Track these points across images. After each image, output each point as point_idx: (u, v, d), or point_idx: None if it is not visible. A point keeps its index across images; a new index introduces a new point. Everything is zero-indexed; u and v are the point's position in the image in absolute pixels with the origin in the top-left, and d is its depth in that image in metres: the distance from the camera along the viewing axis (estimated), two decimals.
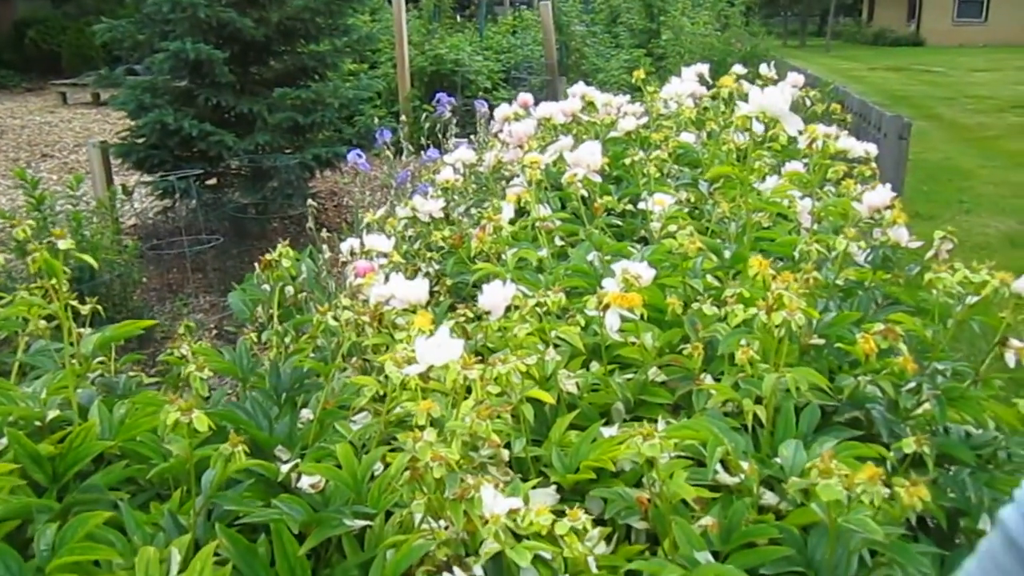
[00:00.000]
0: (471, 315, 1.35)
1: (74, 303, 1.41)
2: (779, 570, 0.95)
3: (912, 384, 1.26)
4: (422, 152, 3.12)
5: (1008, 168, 7.77)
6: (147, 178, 4.09)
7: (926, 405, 1.27)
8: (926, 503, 1.05)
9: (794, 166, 1.78)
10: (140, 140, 4.39)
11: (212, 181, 4.44)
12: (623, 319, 1.27)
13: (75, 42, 12.38)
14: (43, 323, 1.49)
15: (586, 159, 1.67)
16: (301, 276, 1.85)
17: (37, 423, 1.17)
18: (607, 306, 1.20)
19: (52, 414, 1.16)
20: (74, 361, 1.29)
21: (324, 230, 2.73)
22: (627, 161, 1.88)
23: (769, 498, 1.12)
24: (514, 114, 2.49)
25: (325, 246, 2.30)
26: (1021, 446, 1.26)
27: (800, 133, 1.47)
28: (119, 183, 4.19)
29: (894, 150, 4.29)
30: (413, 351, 1.13)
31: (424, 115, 3.68)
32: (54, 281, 1.22)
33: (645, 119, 2.74)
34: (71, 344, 1.25)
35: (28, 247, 1.17)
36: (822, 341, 1.29)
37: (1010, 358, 1.22)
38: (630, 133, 2.46)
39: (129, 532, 1.00)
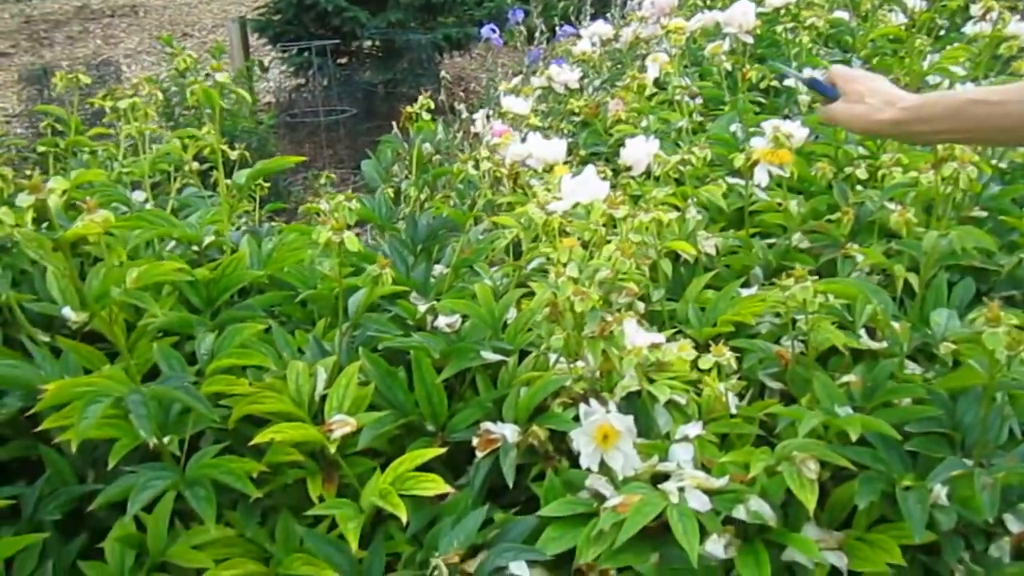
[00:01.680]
0: (609, 168, 1.33)
1: (224, 147, 1.46)
2: (925, 429, 0.92)
3: None
4: (556, 32, 3.05)
5: None
6: (286, 50, 4.16)
7: None
8: None
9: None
10: (276, 16, 4.45)
11: (344, 60, 4.48)
12: (771, 179, 1.22)
13: None
14: (195, 164, 1.56)
15: (738, 18, 1.59)
16: (438, 137, 1.86)
17: (194, 248, 1.23)
18: (756, 162, 1.16)
19: (208, 239, 1.21)
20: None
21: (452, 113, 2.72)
22: (778, 28, 1.78)
23: (914, 369, 1.08)
24: None
25: (459, 116, 2.30)
26: None
27: None
28: (257, 59, 4.29)
29: None
30: (554, 197, 1.12)
31: None
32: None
33: None
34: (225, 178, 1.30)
35: (187, 79, 1.20)
36: (984, 214, 1.21)
37: None
38: (779, 9, 2.32)
39: (279, 349, 1.05)
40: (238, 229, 1.55)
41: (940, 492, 0.85)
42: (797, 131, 1.20)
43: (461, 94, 5.49)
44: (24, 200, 0.75)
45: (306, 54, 4.29)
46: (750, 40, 1.69)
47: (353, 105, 4.04)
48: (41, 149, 1.48)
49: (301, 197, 3.26)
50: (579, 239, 1.00)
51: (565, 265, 0.96)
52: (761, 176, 1.15)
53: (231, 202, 1.28)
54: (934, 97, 0.90)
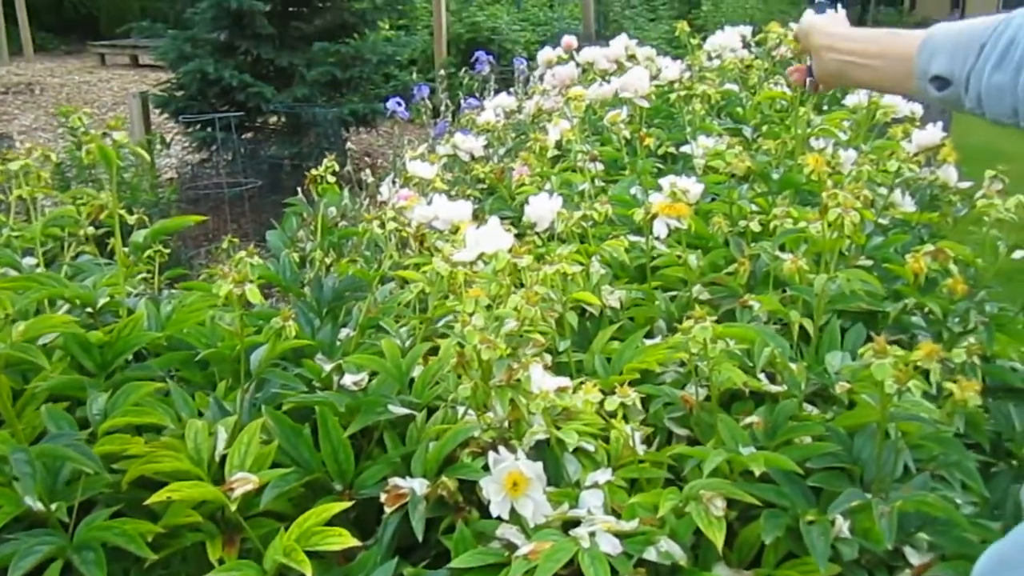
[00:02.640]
0: (514, 230, 1.35)
1: (121, 211, 1.43)
2: (825, 464, 0.94)
3: (961, 307, 1.24)
4: (461, 104, 3.11)
5: None
6: (189, 125, 4.13)
7: (971, 339, 1.26)
8: (975, 414, 1.05)
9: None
10: (179, 92, 4.42)
11: (249, 134, 4.47)
12: (670, 234, 1.26)
13: (113, 5, 12.47)
14: (91, 228, 1.51)
15: (634, 84, 1.66)
16: (344, 202, 1.86)
17: (88, 310, 1.19)
18: (655, 215, 1.19)
19: (103, 300, 1.17)
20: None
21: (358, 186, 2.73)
22: (672, 96, 1.87)
23: (811, 411, 1.11)
24: (558, 57, 2.48)
25: (365, 185, 2.31)
26: None
27: None
28: (158, 134, 4.23)
29: (935, 122, 4.21)
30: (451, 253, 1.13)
31: (463, 71, 3.67)
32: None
33: (688, 73, 2.72)
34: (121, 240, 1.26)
35: (83, 138, 1.18)
36: (870, 262, 1.28)
37: None
38: (673, 82, 2.43)
39: (177, 410, 1.02)
40: (136, 295, 1.51)
41: (842, 525, 0.87)
42: (692, 187, 1.25)
43: (368, 167, 5.53)
44: None
45: (209, 129, 4.26)
46: (646, 104, 1.76)
47: (259, 179, 4.01)
48: None
49: (202, 269, 3.19)
50: (484, 291, 1.00)
51: (471, 315, 0.96)
52: (660, 229, 1.19)
53: (128, 263, 1.24)
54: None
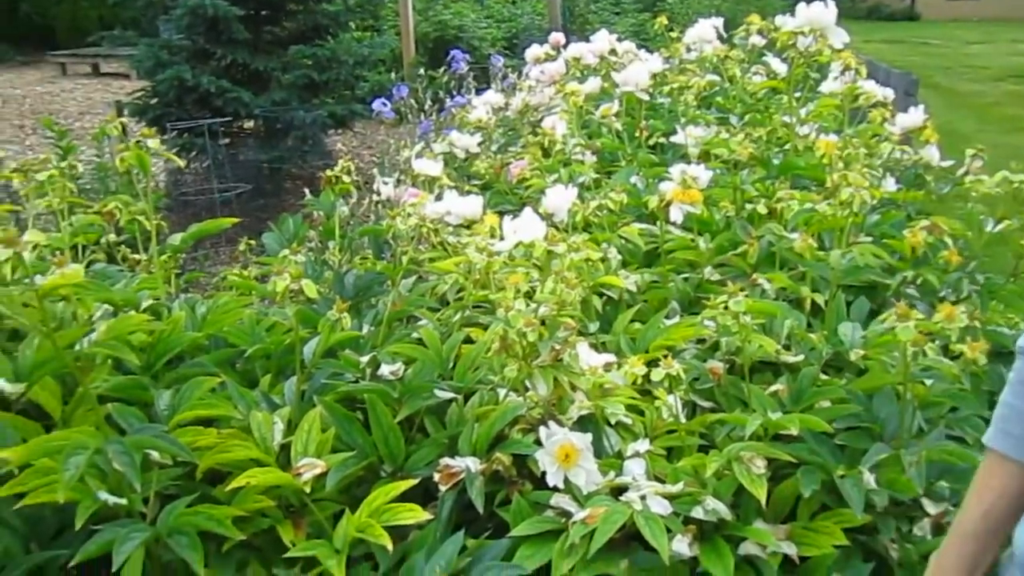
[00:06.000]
0: None
1: (141, 218, 1.47)
2: (848, 425, 1.02)
3: (953, 278, 1.33)
4: (448, 101, 3.16)
5: (1005, 132, 7.84)
6: (168, 135, 4.13)
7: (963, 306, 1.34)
8: (977, 373, 1.13)
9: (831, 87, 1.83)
10: (154, 100, 4.42)
11: (227, 140, 4.48)
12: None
13: (70, 14, 12.29)
14: (112, 236, 1.55)
15: (635, 78, 1.72)
16: (342, 207, 1.90)
17: (131, 311, 1.23)
18: (669, 202, 1.26)
19: (146, 303, 1.21)
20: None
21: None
22: (665, 89, 1.94)
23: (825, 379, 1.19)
24: (545, 54, 2.54)
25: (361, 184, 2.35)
26: None
27: (845, 46, 1.53)
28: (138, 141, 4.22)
29: (901, 106, 4.34)
30: (487, 243, 1.19)
31: (441, 69, 3.71)
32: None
33: (668, 65, 2.80)
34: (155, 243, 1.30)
35: (117, 146, 1.22)
36: (869, 239, 1.36)
37: None
38: (657, 75, 2.51)
39: (235, 402, 1.07)
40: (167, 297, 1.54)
41: (869, 478, 0.95)
42: (702, 174, 1.32)
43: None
44: (0, 254, 0.75)
45: (186, 135, 4.26)
46: (646, 97, 1.83)
47: (239, 183, 4.03)
48: None
49: (206, 274, 3.21)
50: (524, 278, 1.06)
51: (514, 300, 1.02)
52: (676, 215, 1.26)
53: (165, 265, 1.29)
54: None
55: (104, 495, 0.91)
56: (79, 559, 0.85)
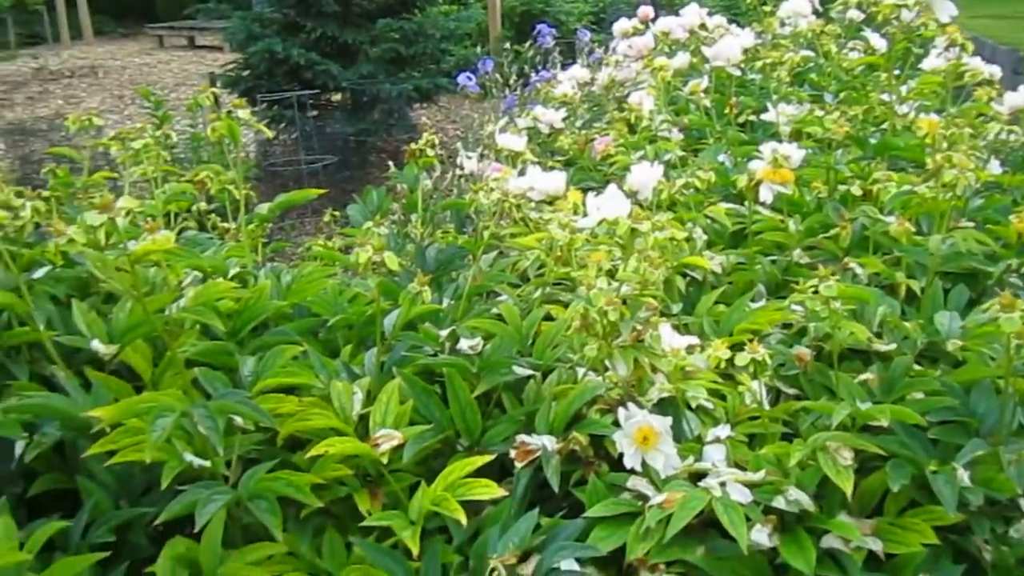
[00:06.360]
0: None
1: (231, 187, 1.50)
2: (943, 418, 0.97)
3: None
4: (533, 76, 3.14)
5: None
6: (258, 107, 4.22)
7: None
8: None
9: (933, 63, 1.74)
10: (246, 72, 4.52)
11: (314, 113, 4.56)
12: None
13: None
14: (203, 204, 1.59)
15: (726, 52, 1.68)
16: (425, 181, 1.91)
17: (219, 278, 1.25)
18: (759, 181, 1.22)
19: (234, 270, 1.24)
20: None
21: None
22: (757, 65, 1.88)
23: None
24: (633, 27, 2.49)
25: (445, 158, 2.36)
26: None
27: (952, 19, 1.46)
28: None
29: (1008, 85, 4.13)
30: (569, 219, 1.17)
31: (527, 44, 3.69)
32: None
33: (760, 40, 2.71)
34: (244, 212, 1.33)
35: (209, 116, 1.24)
36: (971, 224, 1.29)
37: None
38: (748, 50, 2.44)
39: (316, 371, 1.08)
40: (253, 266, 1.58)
41: (963, 475, 0.91)
42: (794, 153, 1.27)
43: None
44: (95, 219, 0.77)
45: (276, 107, 4.35)
46: (737, 72, 1.78)
47: (328, 155, 4.10)
48: (50, 193, 1.50)
49: (291, 244, 3.28)
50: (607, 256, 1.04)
51: (596, 278, 1.00)
52: (766, 195, 1.22)
53: (253, 234, 1.31)
54: None
55: (189, 457, 0.94)
56: (164, 518, 0.87)
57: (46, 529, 0.92)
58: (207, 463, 0.94)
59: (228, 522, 0.94)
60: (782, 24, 2.66)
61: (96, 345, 1.13)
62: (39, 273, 1.19)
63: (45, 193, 1.43)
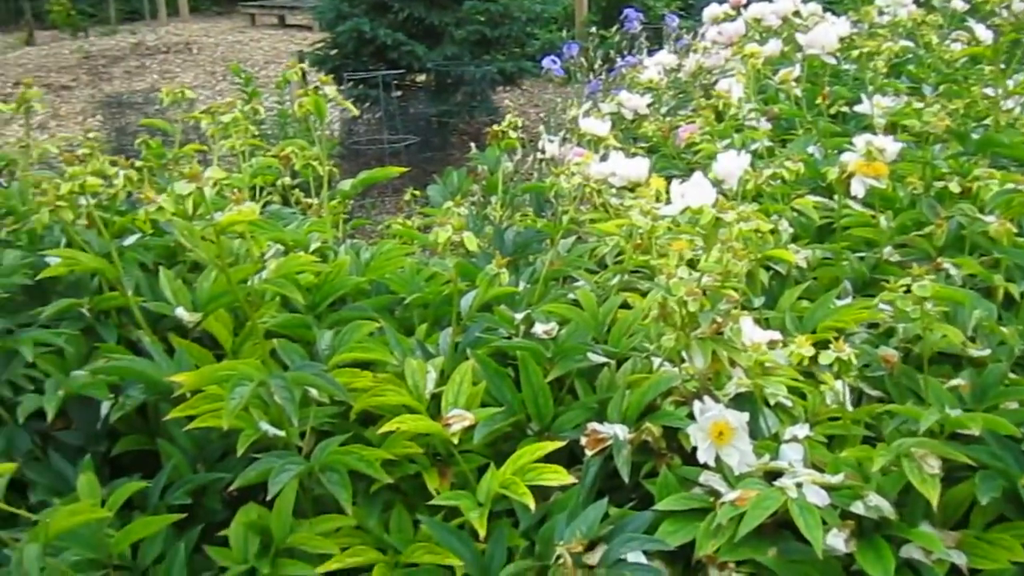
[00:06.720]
0: None
1: (315, 163, 1.51)
2: None
3: None
4: (618, 61, 3.10)
5: None
6: (345, 82, 4.28)
7: None
8: None
9: None
10: (333, 51, 4.59)
11: (398, 93, 4.60)
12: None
13: None
14: (287, 179, 1.61)
15: (821, 39, 1.62)
16: (506, 163, 1.90)
17: (301, 252, 1.27)
18: (851, 174, 1.18)
19: (315, 245, 1.25)
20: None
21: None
22: (854, 54, 1.81)
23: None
24: (724, 13, 2.44)
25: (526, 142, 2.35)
26: None
27: None
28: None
29: None
30: (652, 207, 1.15)
31: (614, 29, 3.65)
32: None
33: (856, 30, 2.62)
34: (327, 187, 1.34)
35: (296, 92, 1.25)
36: None
37: None
38: (844, 39, 2.36)
39: (391, 348, 1.09)
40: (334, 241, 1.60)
41: None
42: (890, 146, 1.22)
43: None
44: (184, 188, 0.79)
45: (361, 86, 4.40)
46: (832, 60, 1.72)
47: (410, 135, 4.14)
48: (143, 164, 1.54)
49: (370, 222, 3.33)
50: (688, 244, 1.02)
51: (676, 267, 0.98)
52: (858, 188, 1.17)
53: (335, 210, 1.32)
54: None
55: (265, 426, 0.96)
56: (238, 484, 0.89)
57: (127, 488, 0.95)
58: (282, 433, 0.96)
59: (299, 492, 0.96)
60: (880, 12, 2.57)
61: (180, 313, 1.16)
62: (129, 240, 1.22)
63: (138, 163, 1.49)
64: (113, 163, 1.18)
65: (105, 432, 1.08)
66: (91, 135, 1.32)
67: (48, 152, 1.41)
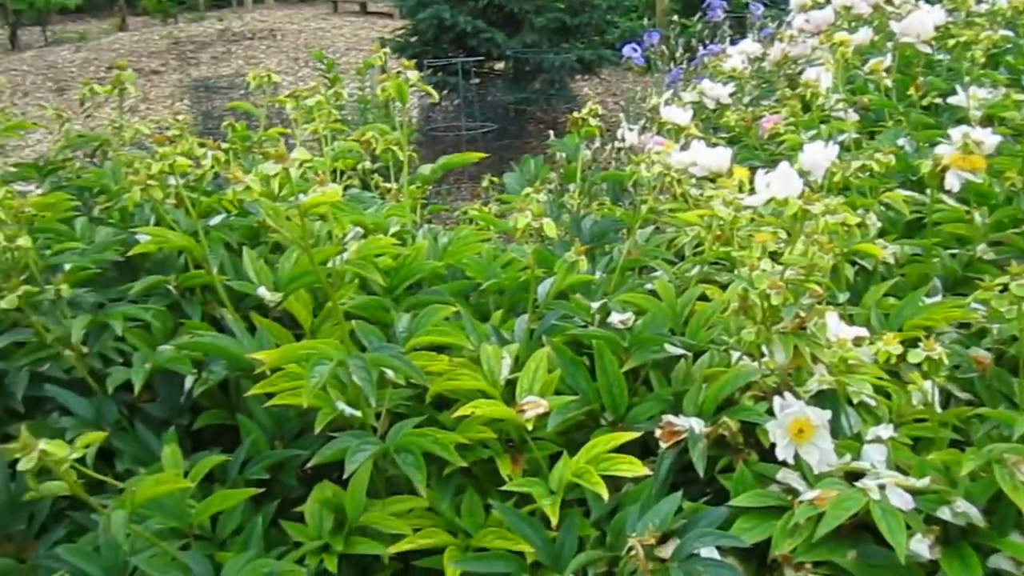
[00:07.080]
0: None
1: (395, 148, 1.53)
2: None
3: None
4: (700, 50, 3.05)
5: None
6: (426, 69, 4.32)
7: None
8: None
9: None
10: (414, 38, 4.62)
11: (477, 80, 4.62)
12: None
13: None
14: (367, 164, 1.63)
15: (916, 27, 1.57)
16: (585, 151, 1.88)
17: (380, 235, 1.29)
18: (946, 168, 1.13)
19: (394, 228, 1.27)
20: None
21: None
22: (950, 43, 1.74)
23: None
24: (812, 1, 2.37)
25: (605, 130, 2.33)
26: None
27: None
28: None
29: None
30: (735, 197, 1.13)
31: (697, 17, 3.59)
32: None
33: (951, 18, 2.53)
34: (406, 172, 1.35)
35: (378, 77, 1.27)
36: None
37: None
38: (939, 28, 2.27)
39: (467, 332, 1.09)
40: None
41: None
42: (988, 138, 1.17)
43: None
44: (271, 169, 0.80)
45: (440, 73, 4.43)
46: (928, 50, 1.66)
47: (488, 122, 4.16)
48: (229, 146, 1.58)
49: (448, 208, 3.35)
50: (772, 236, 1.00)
51: (759, 260, 0.96)
52: (952, 182, 1.13)
53: (414, 194, 1.33)
54: None
55: (342, 405, 0.97)
56: (315, 461, 0.91)
57: (207, 461, 0.97)
58: (358, 413, 0.97)
59: (373, 472, 0.97)
60: (978, 1, 2.47)
61: (263, 292, 1.18)
62: (215, 220, 1.25)
63: (224, 145, 1.52)
64: (201, 144, 1.21)
65: (188, 406, 1.12)
66: (179, 118, 1.36)
67: (140, 133, 1.46)
